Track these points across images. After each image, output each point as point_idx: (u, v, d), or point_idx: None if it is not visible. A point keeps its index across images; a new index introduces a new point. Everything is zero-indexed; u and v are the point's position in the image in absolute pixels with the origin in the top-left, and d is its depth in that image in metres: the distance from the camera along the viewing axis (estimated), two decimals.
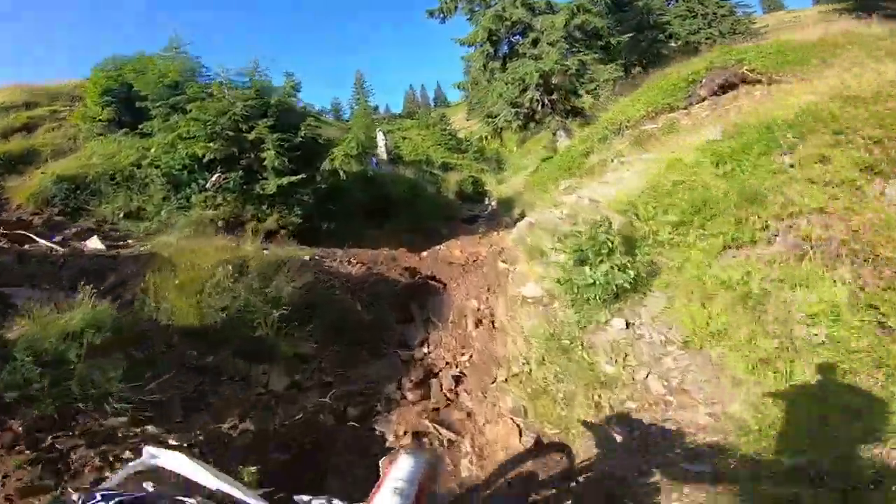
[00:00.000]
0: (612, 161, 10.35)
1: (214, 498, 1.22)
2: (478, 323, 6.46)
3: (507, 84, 15.92)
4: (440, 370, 5.83)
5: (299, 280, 6.13)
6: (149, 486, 1.10)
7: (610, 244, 5.53)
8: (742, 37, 29.89)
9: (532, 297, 6.36)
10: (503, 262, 7.48)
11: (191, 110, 8.42)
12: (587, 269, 5.55)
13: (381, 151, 20.81)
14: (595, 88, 14.49)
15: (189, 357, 4.91)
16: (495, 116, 16.34)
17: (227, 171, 8.40)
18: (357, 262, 7.45)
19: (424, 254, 10.22)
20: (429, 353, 6.18)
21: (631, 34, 18.58)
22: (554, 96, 15.38)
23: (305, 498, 1.41)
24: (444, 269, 8.33)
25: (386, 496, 1.51)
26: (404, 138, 34.85)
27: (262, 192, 8.36)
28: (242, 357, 5.08)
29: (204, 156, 8.13)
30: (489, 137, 16.76)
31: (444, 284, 7.72)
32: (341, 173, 8.84)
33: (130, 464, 1.35)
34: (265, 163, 8.30)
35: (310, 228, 8.88)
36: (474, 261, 8.74)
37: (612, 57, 15.37)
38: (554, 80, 15.49)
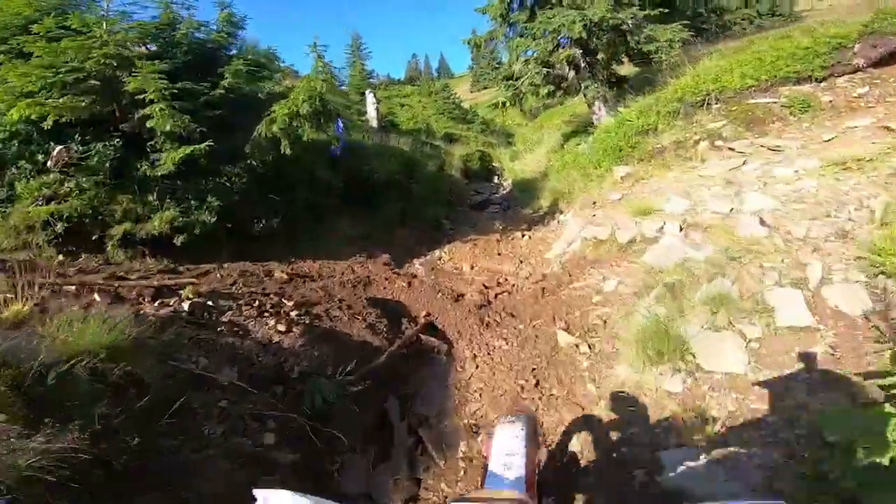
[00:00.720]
0: (701, 144, 7.06)
1: None
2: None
3: (535, 39, 12.34)
4: None
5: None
6: None
7: None
8: (784, 20, 26.69)
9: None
10: (564, 329, 4.22)
11: (39, 55, 4.97)
12: None
13: (371, 117, 17.24)
14: (656, 50, 11.00)
15: None
16: (516, 78, 12.83)
17: (92, 140, 5.06)
18: (292, 304, 4.23)
19: (418, 267, 6.97)
20: None
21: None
22: (599, 56, 11.88)
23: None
24: (448, 310, 5.13)
25: (497, 473, 1.49)
26: (402, 105, 31.09)
27: (148, 174, 5.14)
28: None
29: (45, 118, 4.75)
30: (507, 105, 13.27)
31: (449, 345, 4.53)
32: (284, 144, 5.47)
33: None
34: (152, 125, 4.94)
35: (235, 230, 5.63)
36: (498, 295, 5.54)
37: (672, 17, 11.80)
38: (595, 39, 11.97)
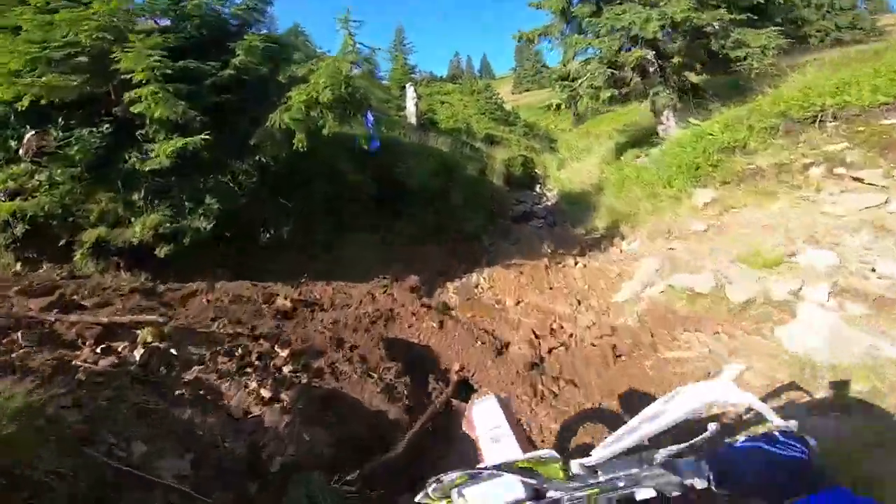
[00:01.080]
0: (814, 170, 5.66)
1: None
2: None
3: (598, 36, 10.99)
4: None
5: None
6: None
7: None
8: (865, 33, 24.34)
9: None
10: None
11: (27, 29, 4.08)
12: None
13: (410, 113, 16.17)
14: (745, 57, 9.49)
15: None
16: (573, 79, 11.51)
17: (78, 125, 4.13)
18: (287, 354, 3.12)
19: (452, 294, 5.83)
20: None
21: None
22: (673, 60, 10.44)
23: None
24: (489, 366, 3.96)
25: (488, 447, 1.45)
26: (443, 103, 30.02)
27: (137, 168, 4.25)
28: None
29: (20, 98, 3.86)
30: (561, 108, 11.95)
31: None
32: (298, 138, 4.41)
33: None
34: (140, 110, 3.96)
35: (237, 239, 4.61)
36: (553, 350, 4.33)
37: (762, 22, 10.23)
38: (671, 41, 10.55)
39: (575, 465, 1.03)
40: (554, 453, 1.12)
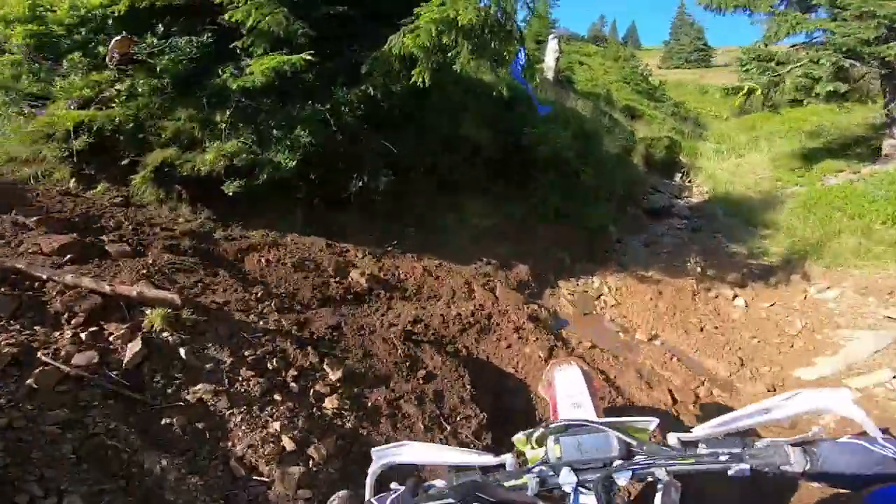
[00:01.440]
0: None
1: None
2: None
3: (835, 20, 8.21)
4: None
5: None
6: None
7: None
8: None
9: None
10: None
11: None
12: None
13: (548, 67, 14.33)
14: None
15: None
16: (778, 63, 8.96)
17: (179, 33, 3.44)
18: (337, 379, 2.15)
19: (566, 300, 4.65)
20: None
21: None
22: None
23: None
24: None
25: (567, 411, 1.43)
26: (581, 63, 27.14)
27: (229, 85, 3.35)
28: None
29: (116, 1, 3.24)
30: (753, 93, 9.52)
31: None
32: (420, 70, 3.27)
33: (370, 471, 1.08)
34: (236, 17, 3.12)
35: (318, 187, 3.73)
36: None
37: None
38: None
39: (672, 438, 0.99)
40: (650, 419, 1.08)
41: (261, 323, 2.52)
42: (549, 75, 14.09)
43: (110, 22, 3.80)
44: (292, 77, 3.54)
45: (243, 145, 3.47)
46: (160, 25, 3.72)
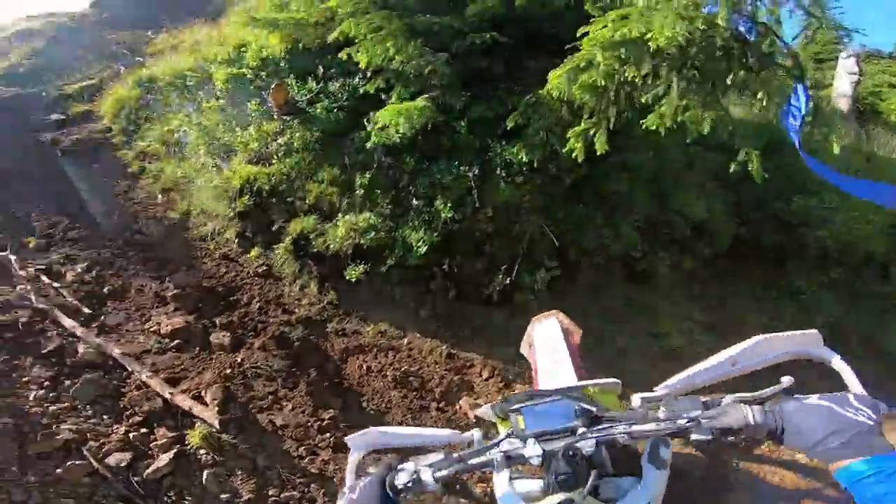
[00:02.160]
0: None
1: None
2: None
3: None
4: None
5: None
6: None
7: None
8: None
9: None
10: None
11: None
12: None
13: (841, 94, 10.74)
14: None
15: None
16: None
17: (334, 76, 3.08)
18: None
19: None
20: None
21: None
22: None
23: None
24: None
25: (545, 371, 1.46)
26: (892, 86, 20.14)
27: (368, 140, 2.90)
28: None
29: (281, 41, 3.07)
30: None
31: None
32: (599, 139, 2.08)
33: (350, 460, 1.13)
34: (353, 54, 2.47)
35: (461, 277, 2.81)
36: None
37: None
38: None
39: (636, 399, 1.01)
40: (616, 381, 1.10)
41: (306, 460, 2.11)
42: (843, 106, 10.46)
43: (281, 64, 3.74)
44: (433, 131, 2.82)
45: (377, 218, 2.90)
46: (320, 67, 3.48)
